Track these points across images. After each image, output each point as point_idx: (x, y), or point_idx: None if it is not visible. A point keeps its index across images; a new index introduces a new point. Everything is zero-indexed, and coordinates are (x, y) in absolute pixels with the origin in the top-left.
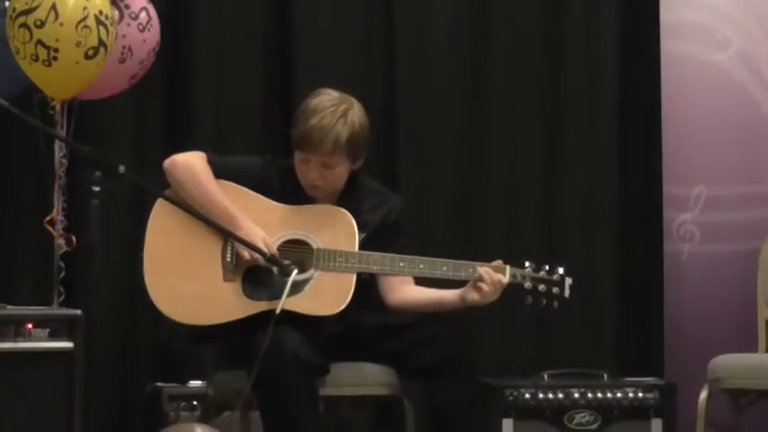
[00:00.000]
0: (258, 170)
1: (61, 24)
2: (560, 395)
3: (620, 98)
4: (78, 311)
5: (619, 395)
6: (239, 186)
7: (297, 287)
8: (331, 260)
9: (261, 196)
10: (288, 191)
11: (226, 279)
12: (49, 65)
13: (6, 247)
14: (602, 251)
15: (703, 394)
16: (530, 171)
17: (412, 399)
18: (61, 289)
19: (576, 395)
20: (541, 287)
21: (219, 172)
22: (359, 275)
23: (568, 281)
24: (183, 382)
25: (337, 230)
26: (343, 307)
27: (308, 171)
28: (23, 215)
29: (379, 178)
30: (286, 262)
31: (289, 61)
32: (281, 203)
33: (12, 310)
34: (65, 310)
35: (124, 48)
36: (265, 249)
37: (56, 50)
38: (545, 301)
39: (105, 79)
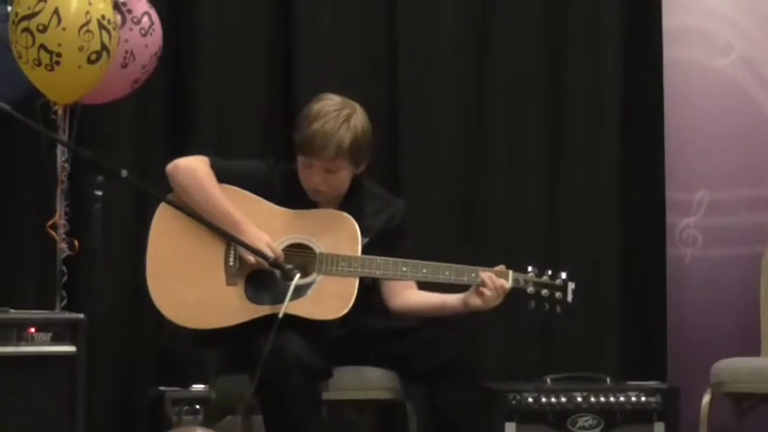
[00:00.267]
0: (261, 174)
1: (64, 29)
2: (563, 399)
3: (623, 103)
4: (81, 315)
5: (621, 399)
6: (242, 190)
7: (299, 291)
8: (334, 264)
9: (263, 200)
10: (290, 195)
11: (229, 283)
12: (52, 69)
13: (9, 251)
14: (605, 255)
15: (706, 398)
16: (532, 174)
17: (415, 403)
18: (63, 293)
19: (579, 399)
20: (544, 292)
21: (222, 176)
22: (361, 280)
23: (571, 285)
24: (186, 385)
25: (340, 235)
26: (345, 311)
27: (311, 176)
28: (26, 219)
29: (382, 181)
30: (289, 266)
31: (291, 64)
32: (283, 207)
33: (14, 314)
34: (67, 314)
35: (126, 52)
36: (269, 253)
37: (58, 55)
38: (548, 305)
39: (108, 84)
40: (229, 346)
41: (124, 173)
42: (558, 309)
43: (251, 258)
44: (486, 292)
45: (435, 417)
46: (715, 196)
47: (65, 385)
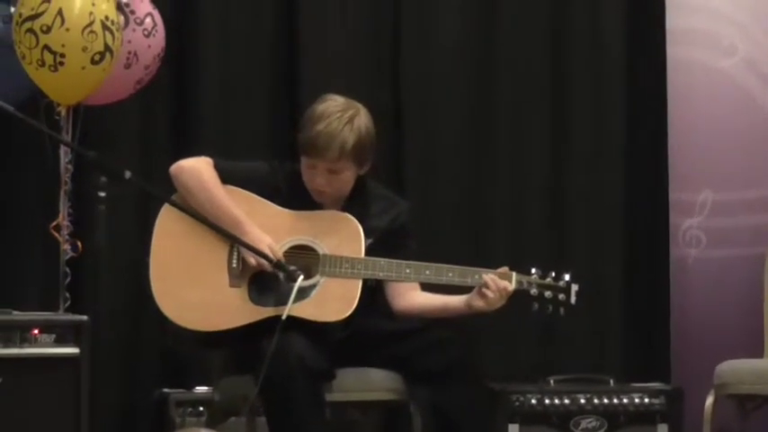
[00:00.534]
0: (265, 175)
1: (67, 30)
2: (566, 401)
3: (627, 104)
4: (84, 317)
5: (625, 400)
6: (246, 192)
7: (303, 293)
8: (337, 266)
9: (267, 202)
10: (294, 196)
11: (232, 285)
12: (56, 70)
13: (12, 253)
14: (609, 256)
15: (709, 400)
16: (535, 176)
17: (418, 404)
18: (67, 294)
19: (583, 401)
20: (548, 294)
21: (226, 177)
22: (365, 281)
23: (575, 287)
24: (190, 387)
25: (343, 236)
26: (348, 313)
27: (315, 177)
28: (29, 220)
29: (385, 183)
30: (292, 268)
31: (294, 65)
32: (287, 209)
33: (18, 315)
34: (71, 316)
35: (130, 53)
36: (271, 255)
37: (62, 56)
38: (551, 307)
39: (111, 84)
40: (233, 348)
41: (128, 174)
42: (562, 310)
43: (253, 260)
44: (489, 294)
45: (438, 418)
46: (719, 197)
47: (68, 387)
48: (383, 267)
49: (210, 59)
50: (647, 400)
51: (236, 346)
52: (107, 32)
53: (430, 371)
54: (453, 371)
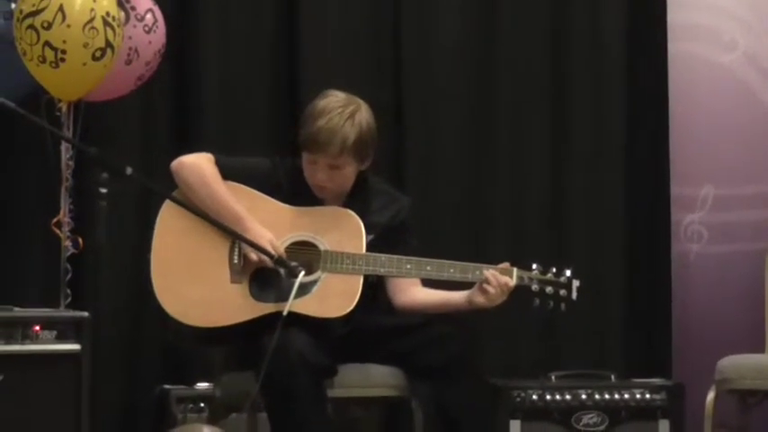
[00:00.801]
0: (266, 171)
1: (68, 26)
2: (568, 396)
3: (628, 99)
4: (85, 313)
5: (626, 396)
6: (247, 188)
7: (304, 289)
8: (338, 262)
9: (268, 198)
10: (295, 192)
11: (233, 281)
12: (57, 66)
13: (13, 250)
14: (610, 252)
15: (711, 395)
16: (536, 172)
17: (420, 400)
18: (68, 291)
19: (584, 396)
20: (549, 289)
21: (227, 173)
22: (366, 277)
23: (576, 283)
24: (191, 383)
25: (344, 232)
26: (349, 309)
27: (316, 172)
28: (30, 217)
29: (386, 177)
30: (293, 264)
31: (295, 62)
32: (288, 205)
33: (19, 312)
34: (72, 312)
35: (130, 49)
36: (272, 251)
37: (63, 52)
38: (552, 303)
39: (112, 80)
40: (234, 344)
41: (129, 170)
42: (563, 306)
43: (254, 256)
44: (491, 289)
45: (440, 414)
46: (720, 192)
47: (69, 383)
48: (384, 263)
49: (211, 55)
50: (648, 395)
51: (237, 343)
52: (108, 28)
53: (431, 367)
54: (454, 367)
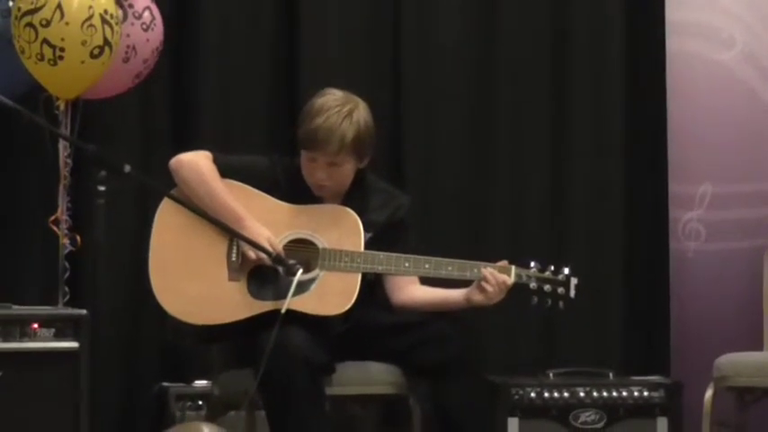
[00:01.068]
0: (264, 169)
1: (67, 24)
2: (566, 394)
3: (627, 103)
4: (83, 311)
5: (624, 394)
6: (245, 186)
7: (302, 287)
8: (336, 260)
9: (267, 195)
10: (294, 190)
11: (231, 278)
12: (55, 64)
13: (11, 247)
14: (608, 250)
15: (709, 392)
16: (535, 170)
17: (418, 397)
18: (66, 289)
19: (582, 394)
20: (547, 287)
21: (225, 171)
22: (364, 275)
23: (574, 281)
24: (189, 381)
25: (343, 230)
26: (348, 307)
27: (315, 170)
28: (28, 215)
29: (385, 182)
30: (291, 261)
31: (294, 60)
32: (287, 203)
33: (17, 310)
34: (70, 310)
35: (128, 47)
36: (271, 249)
37: (61, 50)
38: (550, 301)
39: (109, 78)
40: (232, 342)
41: (127, 168)
42: (561, 304)
43: (252, 254)
44: (488, 288)
45: (438, 411)
46: (718, 190)
47: (68, 381)
48: (382, 261)
49: (209, 53)
50: (646, 393)
51: (235, 340)
52: (106, 26)
53: (429, 364)
54: (453, 364)
